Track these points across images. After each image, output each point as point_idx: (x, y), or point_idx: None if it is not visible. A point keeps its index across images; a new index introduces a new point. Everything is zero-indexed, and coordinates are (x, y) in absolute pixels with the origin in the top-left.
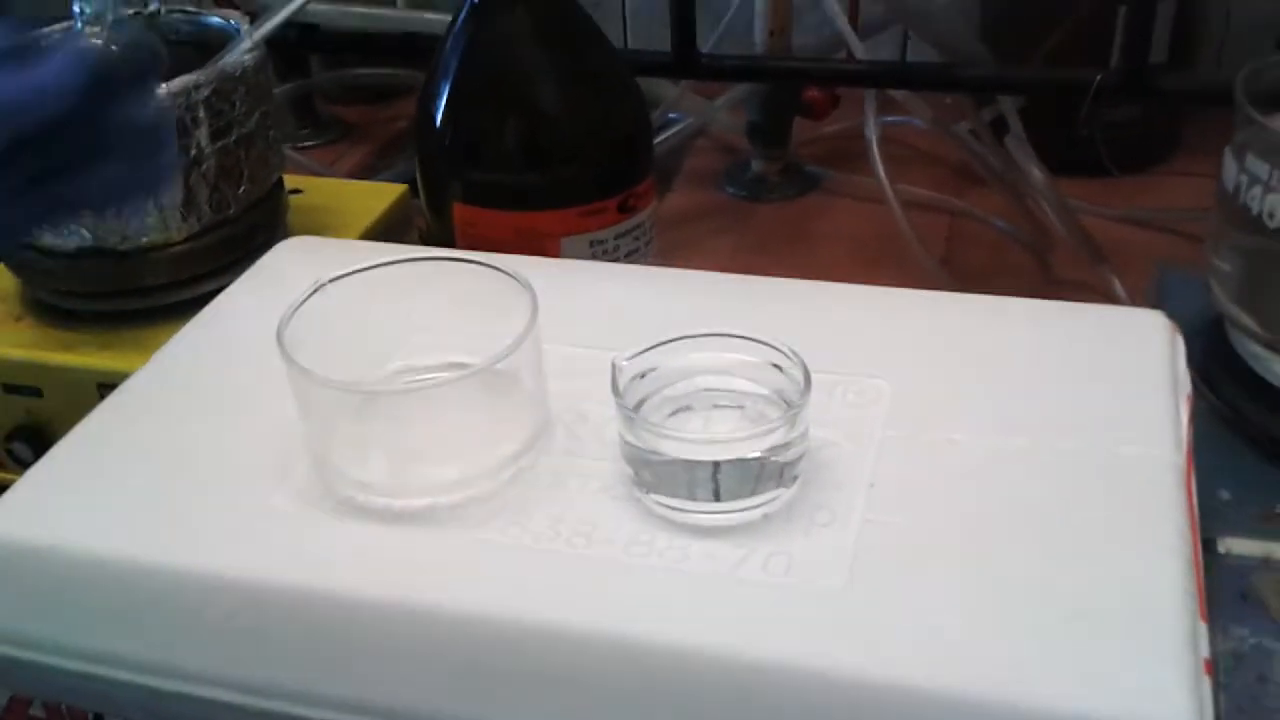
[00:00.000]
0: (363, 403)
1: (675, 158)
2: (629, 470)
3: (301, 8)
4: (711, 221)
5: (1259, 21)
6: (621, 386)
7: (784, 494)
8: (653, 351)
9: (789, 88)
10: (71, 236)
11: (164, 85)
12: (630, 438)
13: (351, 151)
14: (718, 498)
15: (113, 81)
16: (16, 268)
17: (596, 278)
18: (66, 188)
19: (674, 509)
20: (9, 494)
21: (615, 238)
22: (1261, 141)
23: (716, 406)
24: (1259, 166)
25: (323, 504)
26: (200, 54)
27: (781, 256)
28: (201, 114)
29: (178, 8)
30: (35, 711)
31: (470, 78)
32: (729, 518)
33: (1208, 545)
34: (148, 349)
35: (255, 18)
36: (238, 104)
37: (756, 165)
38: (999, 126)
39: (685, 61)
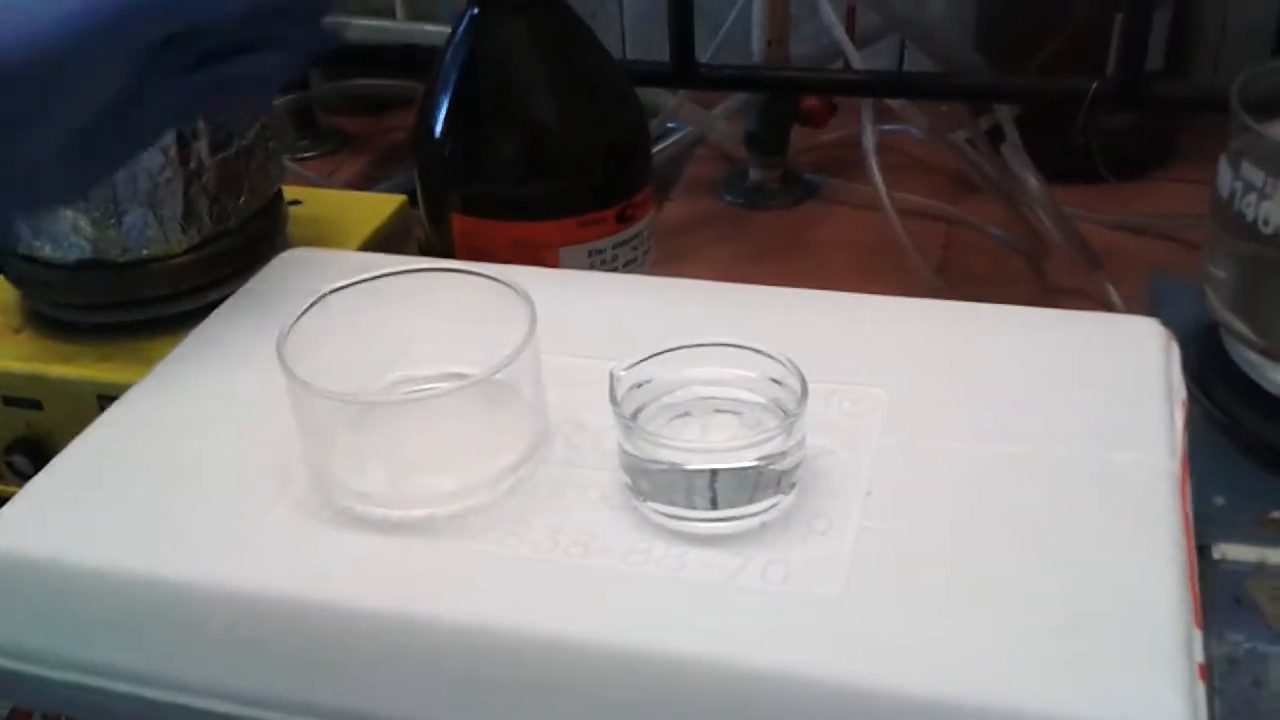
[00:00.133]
0: (361, 413)
1: (674, 167)
2: (627, 479)
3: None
4: (710, 230)
5: (1255, 29)
6: (619, 396)
7: (781, 502)
8: (650, 361)
9: (787, 97)
10: (71, 248)
11: None
12: (628, 447)
13: (350, 162)
14: (715, 506)
15: None
16: (16, 280)
17: (595, 288)
18: (231, 69)
19: (672, 517)
20: (8, 506)
21: (614, 247)
22: (1257, 148)
23: (714, 414)
24: (1254, 173)
25: (321, 515)
26: None
27: (779, 264)
28: (201, 126)
29: None
30: None
31: (469, 89)
32: (727, 526)
33: (1203, 551)
34: (148, 361)
35: None
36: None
37: (754, 174)
38: (995, 135)
39: (683, 71)
